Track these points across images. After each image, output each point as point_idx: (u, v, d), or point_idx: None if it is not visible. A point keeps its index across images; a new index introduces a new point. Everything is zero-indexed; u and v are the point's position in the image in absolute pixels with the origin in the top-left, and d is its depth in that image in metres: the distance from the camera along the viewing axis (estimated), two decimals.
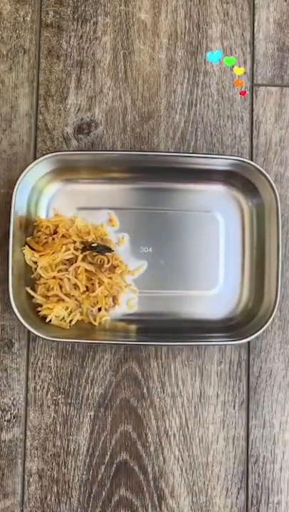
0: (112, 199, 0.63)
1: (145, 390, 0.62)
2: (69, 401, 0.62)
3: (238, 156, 0.61)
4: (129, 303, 0.62)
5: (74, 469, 0.62)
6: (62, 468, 0.62)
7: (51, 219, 0.61)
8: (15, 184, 0.58)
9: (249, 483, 0.62)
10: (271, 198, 0.59)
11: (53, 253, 0.59)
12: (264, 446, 0.62)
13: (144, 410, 0.62)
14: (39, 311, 0.60)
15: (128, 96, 0.65)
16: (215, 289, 0.63)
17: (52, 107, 0.65)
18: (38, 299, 0.60)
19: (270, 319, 0.58)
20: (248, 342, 0.62)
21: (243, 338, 0.58)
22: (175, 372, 0.63)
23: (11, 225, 0.58)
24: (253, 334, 0.58)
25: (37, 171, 0.60)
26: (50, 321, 0.59)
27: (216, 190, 0.64)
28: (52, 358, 0.62)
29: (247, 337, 0.58)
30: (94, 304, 0.60)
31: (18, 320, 0.57)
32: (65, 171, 0.62)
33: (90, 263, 0.60)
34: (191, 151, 0.65)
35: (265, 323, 0.58)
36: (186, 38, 0.66)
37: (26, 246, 0.59)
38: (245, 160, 0.60)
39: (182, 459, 0.62)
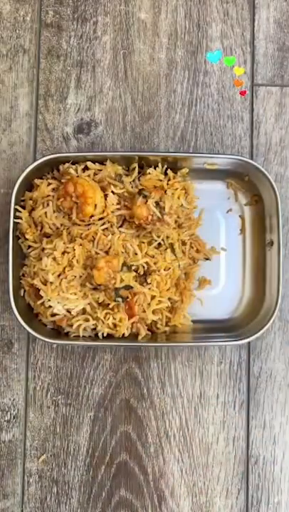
0: None
1: (145, 391, 0.62)
2: (69, 401, 0.62)
3: (238, 156, 0.61)
4: None
5: (74, 470, 0.62)
6: (62, 468, 0.62)
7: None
8: (15, 184, 0.58)
9: (249, 484, 0.62)
10: (271, 198, 0.59)
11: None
12: (264, 446, 0.62)
13: (144, 411, 0.62)
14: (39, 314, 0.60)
15: (128, 96, 0.65)
16: (216, 290, 0.63)
17: (52, 107, 0.65)
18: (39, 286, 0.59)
19: (272, 320, 0.57)
20: (248, 342, 0.62)
21: (243, 339, 0.58)
22: (175, 373, 0.63)
23: (11, 225, 0.58)
24: (254, 335, 0.57)
25: (36, 172, 0.59)
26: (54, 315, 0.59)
27: (216, 190, 0.64)
28: (52, 359, 0.62)
29: (247, 337, 0.58)
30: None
31: (18, 321, 0.57)
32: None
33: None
34: (191, 151, 0.65)
35: (266, 323, 0.57)
36: (186, 38, 0.66)
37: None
38: (246, 159, 0.60)
39: (182, 460, 0.62)
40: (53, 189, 0.59)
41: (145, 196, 0.58)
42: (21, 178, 0.58)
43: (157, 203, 0.58)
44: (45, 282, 0.57)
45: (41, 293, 0.57)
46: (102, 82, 0.65)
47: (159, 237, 0.59)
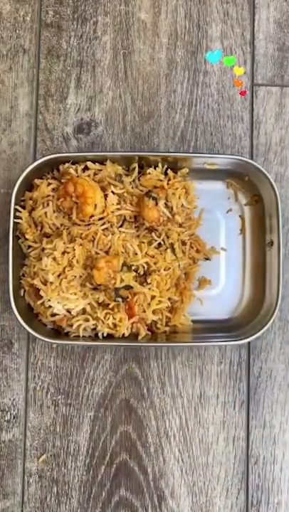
0: None
1: (145, 391, 0.62)
2: (69, 401, 0.62)
3: (238, 156, 0.61)
4: None
5: (74, 470, 0.62)
6: (62, 468, 0.62)
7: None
8: (15, 184, 0.58)
9: (249, 484, 0.62)
10: (271, 198, 0.59)
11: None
12: (264, 446, 0.62)
13: (144, 411, 0.62)
14: (38, 314, 0.60)
15: (128, 96, 0.65)
16: (216, 290, 0.63)
17: (52, 107, 0.65)
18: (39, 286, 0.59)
19: (272, 320, 0.57)
20: (248, 342, 0.62)
21: (243, 339, 0.58)
22: (175, 373, 0.63)
23: (11, 225, 0.58)
24: (254, 335, 0.57)
25: (36, 172, 0.59)
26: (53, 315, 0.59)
27: (216, 190, 0.64)
28: (52, 359, 0.62)
29: (247, 337, 0.58)
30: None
31: (18, 321, 0.57)
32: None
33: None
34: (191, 151, 0.65)
35: (266, 323, 0.57)
36: (186, 38, 0.66)
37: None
38: (246, 159, 0.60)
39: (182, 460, 0.62)
40: (53, 189, 0.59)
41: (155, 198, 0.58)
42: (21, 178, 0.58)
43: (165, 204, 0.59)
44: (45, 282, 0.57)
45: (41, 293, 0.57)
46: (102, 82, 0.65)
47: (159, 236, 0.59)
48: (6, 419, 0.62)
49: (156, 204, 0.58)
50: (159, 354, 0.63)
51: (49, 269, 0.57)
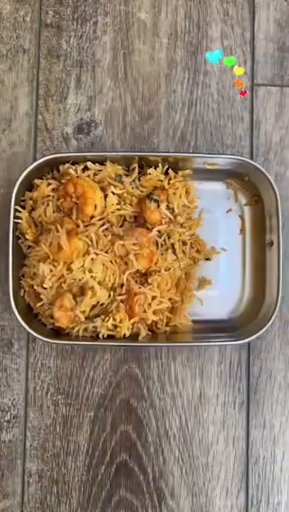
0: None
1: (145, 391, 0.62)
2: (69, 401, 0.62)
3: (238, 156, 0.61)
4: None
5: (74, 470, 0.62)
6: (62, 468, 0.62)
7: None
8: (15, 184, 0.58)
9: (249, 484, 0.62)
10: (271, 198, 0.59)
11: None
12: (264, 446, 0.62)
13: (144, 411, 0.62)
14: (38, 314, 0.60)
15: (128, 96, 0.65)
16: (216, 290, 0.63)
17: (52, 107, 0.65)
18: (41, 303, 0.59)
19: (272, 320, 0.57)
20: (248, 342, 0.62)
21: (243, 339, 0.58)
22: (175, 373, 0.63)
23: (11, 225, 0.58)
24: (254, 335, 0.57)
25: (36, 172, 0.59)
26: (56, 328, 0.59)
27: (216, 190, 0.64)
28: (52, 359, 0.62)
29: (247, 337, 0.58)
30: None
31: (18, 321, 0.57)
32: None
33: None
34: (191, 151, 0.65)
35: (266, 323, 0.57)
36: (186, 38, 0.66)
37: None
38: (246, 159, 0.60)
39: (182, 460, 0.62)
40: (53, 189, 0.59)
41: (156, 201, 0.58)
42: (21, 178, 0.58)
43: (166, 205, 0.59)
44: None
45: (41, 296, 0.57)
46: (102, 82, 0.65)
47: (160, 237, 0.59)
48: (6, 419, 0.62)
49: (158, 206, 0.58)
50: (159, 354, 0.63)
51: (46, 276, 0.57)
